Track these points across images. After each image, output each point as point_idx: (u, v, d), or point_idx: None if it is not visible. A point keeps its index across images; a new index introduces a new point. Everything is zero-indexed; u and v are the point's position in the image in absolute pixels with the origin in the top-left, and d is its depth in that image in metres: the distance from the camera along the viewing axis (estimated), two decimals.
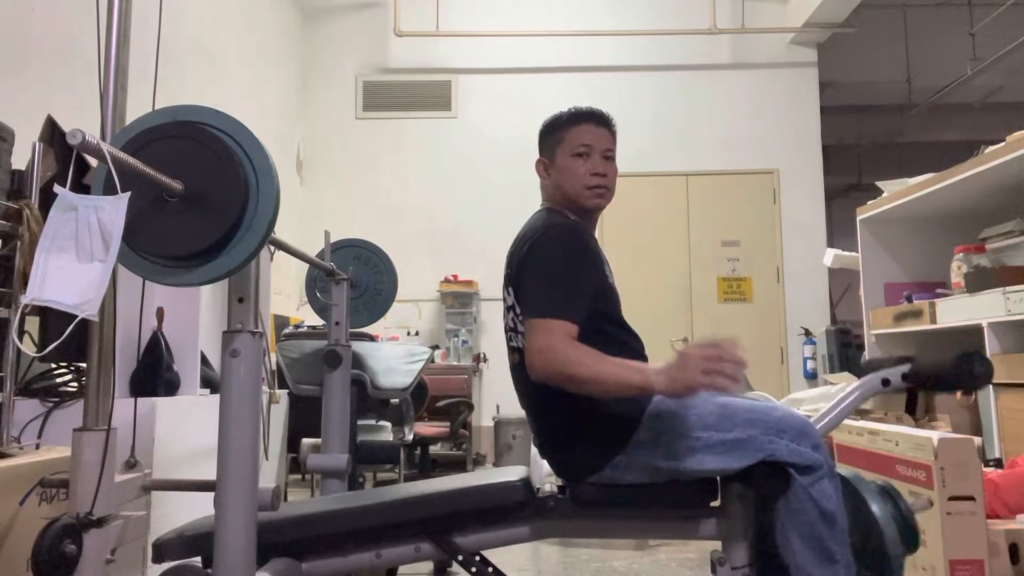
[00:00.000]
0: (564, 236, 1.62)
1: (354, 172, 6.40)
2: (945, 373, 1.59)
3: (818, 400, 3.52)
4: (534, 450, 1.76)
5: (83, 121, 1.33)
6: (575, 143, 1.69)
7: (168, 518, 1.95)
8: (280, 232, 1.70)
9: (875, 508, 1.51)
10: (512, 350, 1.70)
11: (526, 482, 1.58)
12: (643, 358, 1.67)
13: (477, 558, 1.57)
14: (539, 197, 1.82)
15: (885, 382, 1.66)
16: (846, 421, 3.09)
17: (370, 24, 6.50)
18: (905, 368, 1.65)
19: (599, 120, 1.72)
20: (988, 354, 3.05)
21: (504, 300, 1.71)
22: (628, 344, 1.65)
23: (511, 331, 1.69)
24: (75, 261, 1.07)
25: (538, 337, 1.48)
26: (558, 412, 1.58)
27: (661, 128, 6.30)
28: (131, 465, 1.77)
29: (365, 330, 3.34)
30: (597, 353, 1.45)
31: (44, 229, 1.09)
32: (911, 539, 1.52)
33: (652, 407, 1.55)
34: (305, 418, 3.19)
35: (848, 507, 1.53)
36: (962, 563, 1.99)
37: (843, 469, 1.67)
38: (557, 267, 1.56)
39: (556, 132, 1.73)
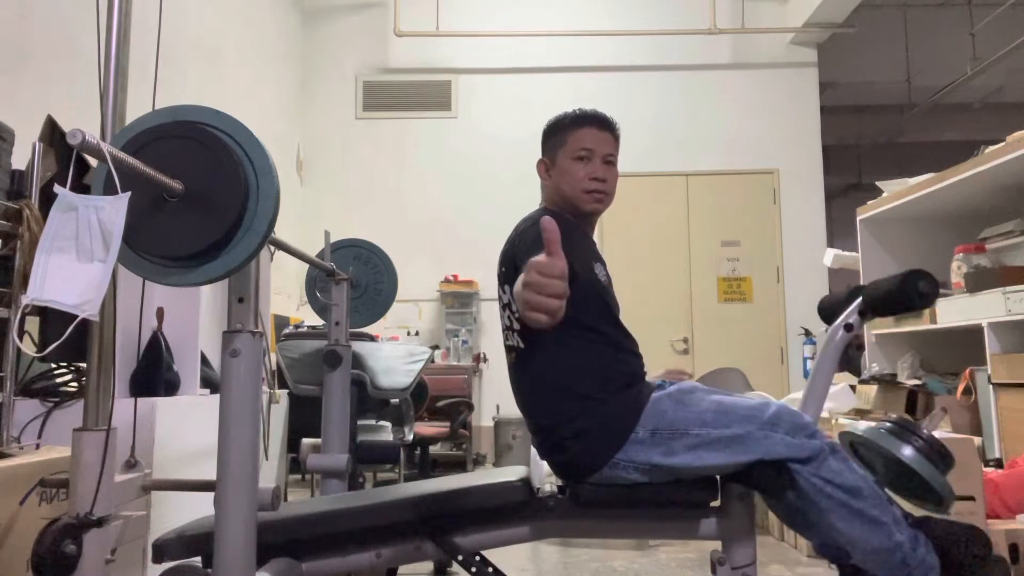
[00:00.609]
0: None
1: (354, 172, 6.40)
2: (892, 296, 1.58)
3: None
4: (534, 450, 1.76)
5: (83, 121, 1.33)
6: (577, 146, 1.69)
7: (168, 518, 1.95)
8: (280, 232, 1.70)
9: (901, 452, 1.51)
10: (509, 349, 1.69)
11: (526, 482, 1.58)
12: (638, 358, 1.67)
13: (477, 558, 1.57)
14: (539, 197, 1.82)
15: (848, 328, 1.65)
16: (845, 421, 3.09)
17: (370, 24, 6.50)
18: (859, 304, 1.65)
19: (602, 124, 1.72)
20: (988, 354, 3.05)
21: (500, 299, 1.71)
22: (622, 344, 1.65)
23: (507, 330, 1.69)
24: (75, 261, 1.07)
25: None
26: (555, 412, 1.58)
27: (661, 128, 6.30)
28: (131, 465, 1.77)
29: (365, 330, 3.35)
30: None
31: (44, 229, 1.09)
32: (943, 461, 1.52)
33: (649, 405, 1.55)
34: (305, 418, 3.19)
35: (878, 461, 1.57)
36: None
37: (854, 427, 1.67)
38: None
39: (559, 134, 1.73)
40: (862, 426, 1.66)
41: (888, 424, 1.59)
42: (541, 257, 1.12)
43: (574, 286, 1.51)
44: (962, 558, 1.44)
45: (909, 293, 1.55)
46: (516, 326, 1.63)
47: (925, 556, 1.44)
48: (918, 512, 1.56)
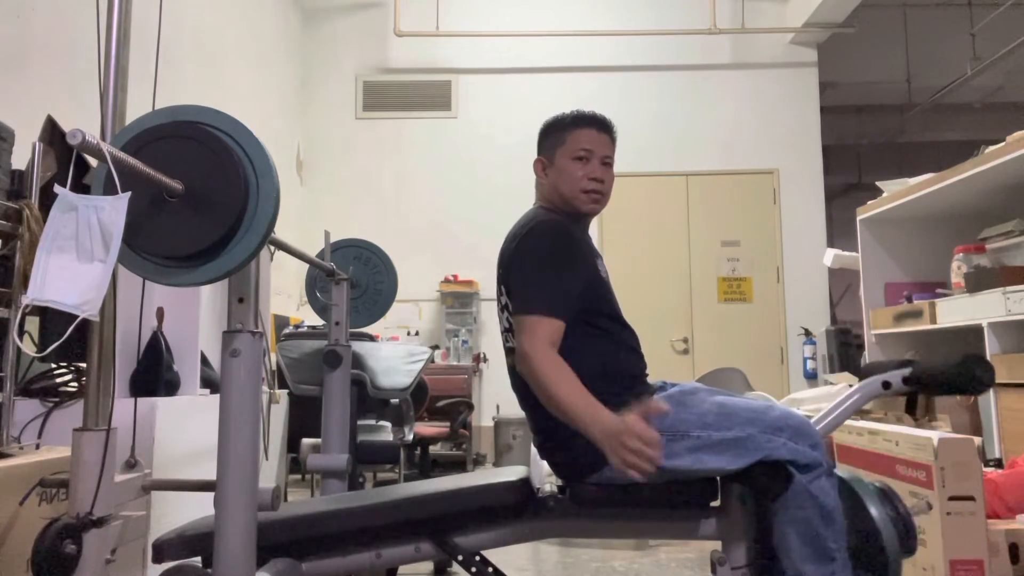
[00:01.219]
0: (550, 232, 1.63)
1: (354, 172, 6.40)
2: (947, 377, 1.58)
3: (818, 400, 3.52)
4: (534, 450, 1.76)
5: (83, 121, 1.33)
6: (575, 146, 1.70)
7: (168, 518, 1.95)
8: (280, 232, 1.70)
9: (873, 510, 1.51)
10: (509, 351, 1.70)
11: (526, 482, 1.58)
12: (638, 354, 1.67)
13: (477, 558, 1.57)
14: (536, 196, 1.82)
15: (886, 385, 1.66)
16: (846, 421, 3.09)
17: (370, 24, 6.50)
18: (906, 371, 1.65)
19: (601, 126, 1.73)
20: (988, 354, 3.05)
21: (498, 300, 1.72)
22: (622, 339, 1.65)
23: (506, 331, 1.69)
24: (75, 261, 1.08)
25: (523, 338, 1.51)
26: (557, 414, 1.58)
27: (661, 128, 6.30)
28: (131, 465, 1.77)
29: (365, 330, 3.34)
30: (570, 377, 1.46)
31: (44, 229, 1.09)
32: (909, 542, 1.52)
33: None
34: (305, 418, 3.19)
35: (846, 508, 1.53)
36: (962, 563, 1.99)
37: (841, 471, 1.67)
38: (543, 263, 1.57)
39: (557, 133, 1.74)
40: (849, 472, 1.66)
41: (878, 485, 1.59)
42: (643, 426, 1.31)
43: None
44: None
45: (964, 380, 1.55)
46: (514, 327, 1.63)
47: None
48: None
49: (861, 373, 1.79)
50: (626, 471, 1.33)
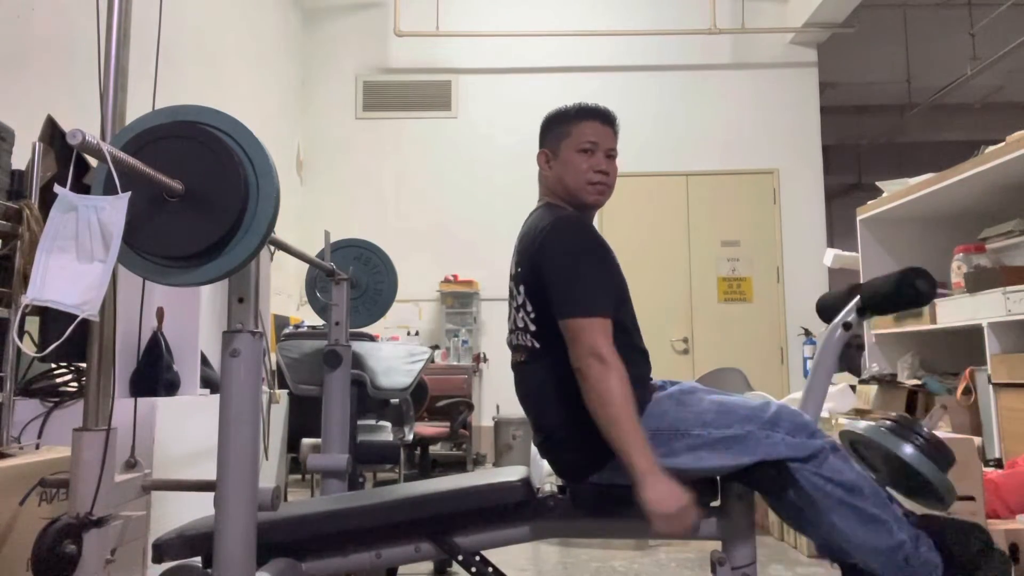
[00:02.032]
0: (577, 230, 1.62)
1: (354, 172, 6.40)
2: (891, 294, 1.58)
3: None
4: (534, 450, 1.76)
5: (83, 121, 1.33)
6: (581, 139, 1.70)
7: (168, 518, 1.95)
8: (280, 232, 1.70)
9: (901, 450, 1.51)
10: (518, 349, 1.69)
11: (526, 482, 1.58)
12: (645, 358, 1.67)
13: (477, 558, 1.57)
14: (537, 196, 1.82)
15: (847, 326, 1.66)
16: (844, 421, 3.09)
17: (370, 24, 6.50)
18: (856, 302, 1.65)
19: (604, 118, 1.74)
20: (988, 354, 3.05)
21: (514, 298, 1.70)
22: (634, 340, 1.65)
23: (521, 331, 1.67)
24: (75, 261, 1.07)
25: (585, 338, 1.49)
26: (559, 412, 1.58)
27: (661, 128, 6.30)
28: (131, 465, 1.77)
29: (365, 330, 3.34)
30: (629, 399, 1.45)
31: (44, 229, 1.09)
32: (943, 459, 1.52)
33: (651, 405, 1.55)
34: (305, 418, 3.19)
35: (878, 460, 1.56)
36: None
37: (852, 425, 1.67)
38: (580, 263, 1.57)
39: (562, 125, 1.74)
40: (862, 425, 1.66)
41: (888, 423, 1.59)
42: (687, 523, 1.40)
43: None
44: (964, 555, 1.44)
45: (907, 291, 1.55)
46: (532, 328, 1.62)
47: (927, 554, 1.43)
48: (919, 510, 1.55)
49: (819, 310, 1.80)
50: (664, 531, 1.41)
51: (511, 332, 1.72)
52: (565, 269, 1.56)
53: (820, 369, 1.67)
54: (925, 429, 1.54)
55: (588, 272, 1.56)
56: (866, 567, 1.46)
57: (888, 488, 1.55)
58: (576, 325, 1.51)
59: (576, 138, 1.70)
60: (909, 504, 1.56)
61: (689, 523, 1.40)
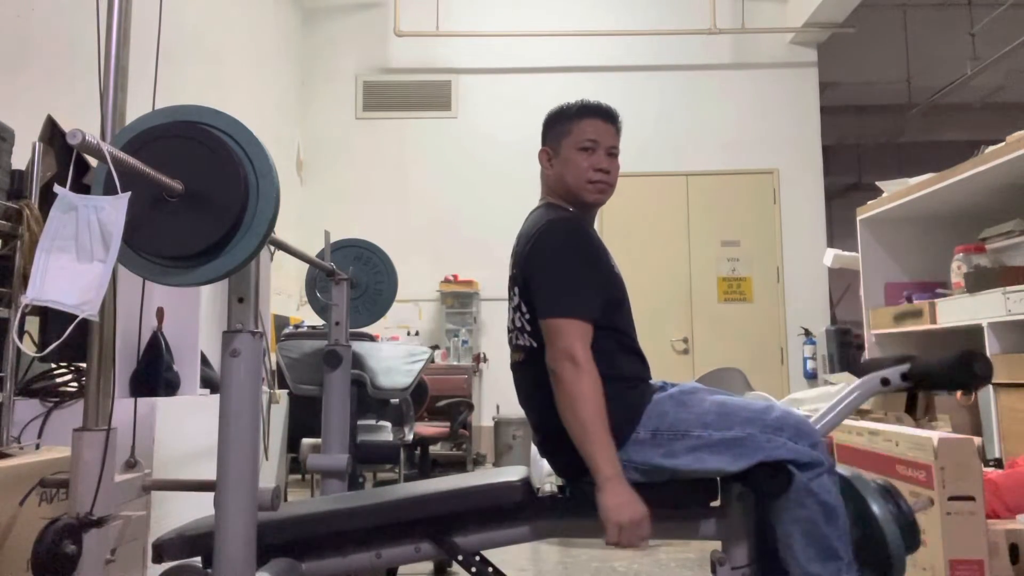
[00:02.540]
0: (567, 232, 1.62)
1: (354, 172, 6.40)
2: (945, 373, 1.58)
3: (818, 400, 3.51)
4: (534, 450, 1.76)
5: (83, 121, 1.33)
6: (581, 137, 1.69)
7: (168, 518, 1.95)
8: (280, 232, 1.70)
9: (876, 508, 1.51)
10: (517, 348, 1.69)
11: (526, 482, 1.58)
12: (643, 359, 1.67)
13: (477, 558, 1.57)
14: (539, 195, 1.82)
15: (884, 382, 1.66)
16: (846, 421, 3.09)
17: (370, 24, 6.50)
18: (904, 368, 1.65)
19: (606, 116, 1.73)
20: (988, 354, 3.05)
21: (509, 300, 1.71)
22: (631, 346, 1.65)
23: (518, 331, 1.68)
24: (75, 261, 1.07)
25: (558, 341, 1.51)
26: (559, 412, 1.57)
27: (661, 128, 6.30)
28: (131, 465, 1.77)
29: (365, 330, 3.34)
30: (600, 404, 1.46)
31: (44, 229, 1.09)
32: (912, 539, 1.52)
33: (651, 406, 1.55)
34: (305, 418, 3.19)
35: (849, 507, 1.53)
36: (962, 563, 1.99)
37: (843, 469, 1.67)
38: (566, 265, 1.57)
39: (563, 123, 1.73)
40: (853, 471, 1.66)
41: (879, 483, 1.59)
42: (648, 526, 1.43)
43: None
44: None
45: (961, 375, 1.55)
46: (528, 328, 1.63)
47: None
48: None
49: (860, 370, 1.79)
50: (615, 544, 1.42)
51: (510, 332, 1.72)
52: (550, 270, 1.57)
53: (838, 410, 1.66)
54: (909, 506, 1.54)
55: (572, 275, 1.56)
56: None
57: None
58: (554, 325, 1.52)
59: (577, 136, 1.69)
60: None
61: (643, 536, 1.41)
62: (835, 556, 1.42)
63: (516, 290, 1.67)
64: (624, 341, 1.64)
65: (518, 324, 1.67)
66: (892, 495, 1.55)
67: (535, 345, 1.61)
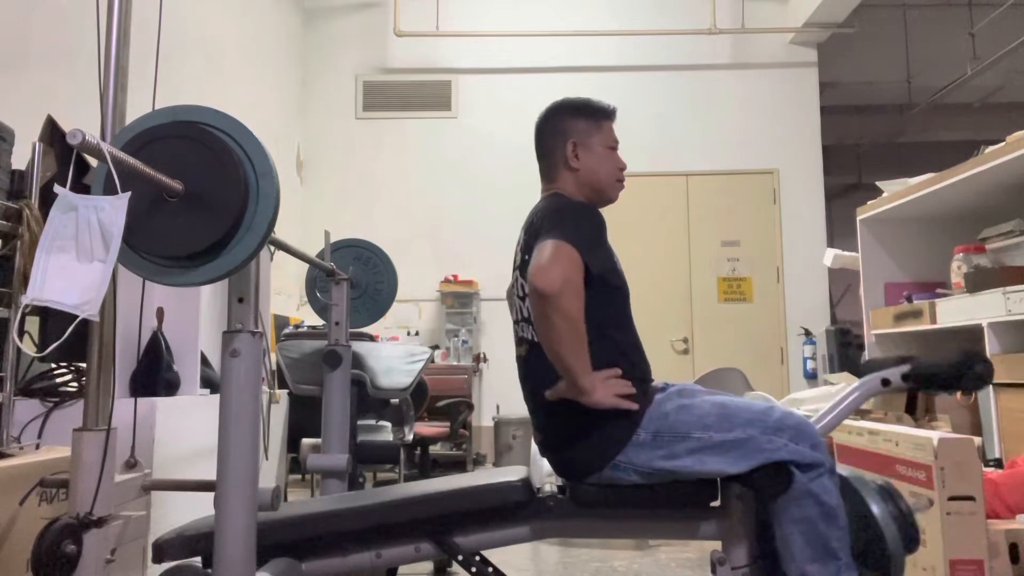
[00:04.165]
0: (587, 207, 1.64)
1: (354, 172, 6.40)
2: (946, 373, 1.58)
3: (818, 400, 3.51)
4: (534, 450, 1.76)
5: (83, 121, 1.33)
6: (610, 137, 1.76)
7: (168, 518, 1.96)
8: (280, 232, 1.70)
9: (875, 508, 1.51)
10: (521, 341, 1.69)
11: (526, 482, 1.58)
12: (645, 358, 1.66)
13: (477, 558, 1.57)
14: (539, 196, 1.79)
15: (885, 382, 1.66)
16: (846, 421, 3.09)
17: (370, 24, 6.50)
18: (905, 368, 1.65)
19: (614, 117, 1.81)
20: (988, 354, 3.05)
21: (518, 288, 1.69)
22: (635, 345, 1.65)
23: (524, 322, 1.66)
24: (75, 261, 1.07)
25: (549, 257, 1.45)
26: (562, 410, 1.57)
27: (661, 128, 6.30)
28: (131, 465, 1.77)
29: (365, 330, 3.34)
30: (580, 333, 1.46)
31: (44, 229, 1.09)
32: (911, 539, 1.52)
33: (652, 407, 1.55)
34: (305, 418, 3.19)
35: (848, 507, 1.53)
36: (962, 563, 1.99)
37: (843, 469, 1.67)
38: (579, 219, 1.58)
39: (590, 119, 1.75)
40: (852, 471, 1.66)
41: (879, 483, 1.59)
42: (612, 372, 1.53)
43: (597, 281, 1.54)
44: None
45: (962, 376, 1.55)
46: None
47: None
48: None
49: (860, 370, 1.79)
50: (618, 403, 1.49)
51: (516, 323, 1.71)
52: (560, 217, 1.57)
53: (838, 411, 1.66)
54: (909, 506, 1.54)
55: (584, 226, 1.56)
56: None
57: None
58: (558, 245, 1.47)
59: (607, 135, 1.75)
60: None
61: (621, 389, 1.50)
62: (834, 556, 1.43)
63: (521, 274, 1.65)
64: (631, 342, 1.63)
65: (525, 314, 1.66)
66: (891, 495, 1.55)
67: (537, 339, 1.60)
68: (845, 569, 1.43)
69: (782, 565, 1.47)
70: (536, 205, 1.74)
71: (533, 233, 1.61)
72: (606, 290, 1.60)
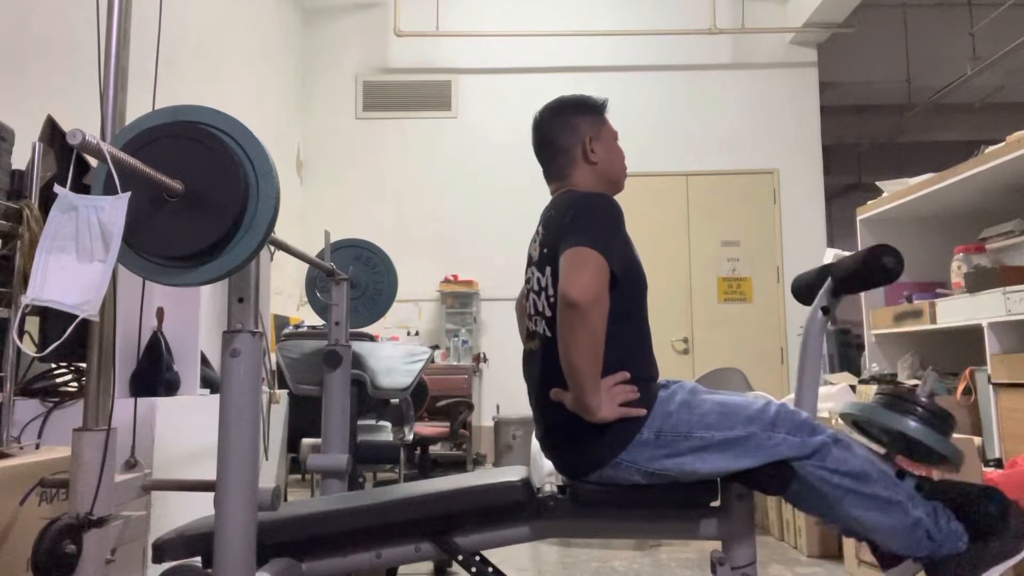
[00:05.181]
0: (611, 201, 1.61)
1: (354, 172, 6.40)
2: (861, 272, 1.59)
3: (818, 400, 3.51)
4: (534, 450, 1.76)
5: (83, 121, 1.34)
6: (612, 128, 1.79)
7: (168, 518, 1.96)
8: (280, 232, 1.70)
9: (901, 424, 1.53)
10: (532, 335, 1.68)
11: (526, 482, 1.58)
12: (653, 356, 1.66)
13: (477, 558, 1.57)
14: (539, 196, 1.81)
15: (824, 310, 1.68)
16: (843, 420, 3.09)
17: (370, 24, 6.50)
18: (829, 284, 1.67)
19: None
20: (988, 354, 3.05)
21: (533, 283, 1.67)
22: (646, 342, 1.64)
23: (538, 315, 1.65)
24: (75, 261, 1.07)
25: (580, 267, 1.45)
26: (562, 406, 1.57)
27: (661, 128, 6.31)
28: (131, 465, 1.77)
29: (365, 330, 3.34)
30: (600, 349, 1.45)
31: (44, 229, 1.09)
32: (946, 423, 1.55)
33: (656, 407, 1.55)
34: (305, 418, 3.19)
35: (882, 434, 1.59)
36: None
37: (855, 407, 1.68)
38: (607, 223, 1.56)
39: (596, 114, 1.77)
40: (859, 404, 1.67)
41: (883, 396, 1.60)
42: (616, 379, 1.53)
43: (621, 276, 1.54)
44: (985, 519, 1.45)
45: (874, 268, 1.56)
46: (548, 313, 1.60)
47: (948, 525, 1.46)
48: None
49: (794, 291, 1.83)
50: (624, 413, 1.49)
51: (529, 318, 1.70)
52: (590, 218, 1.55)
53: (807, 359, 1.68)
54: (922, 397, 1.56)
55: (611, 225, 1.55)
56: (890, 550, 1.48)
57: (902, 456, 1.58)
58: (582, 253, 1.46)
59: (611, 128, 1.78)
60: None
61: (627, 393, 1.50)
62: (891, 503, 1.44)
63: (548, 270, 1.61)
64: (642, 338, 1.63)
65: (539, 308, 1.64)
66: (904, 400, 1.56)
67: (549, 335, 1.59)
68: (908, 502, 1.45)
69: (865, 542, 1.50)
70: (555, 199, 1.71)
71: (555, 229, 1.60)
72: (625, 285, 1.58)
